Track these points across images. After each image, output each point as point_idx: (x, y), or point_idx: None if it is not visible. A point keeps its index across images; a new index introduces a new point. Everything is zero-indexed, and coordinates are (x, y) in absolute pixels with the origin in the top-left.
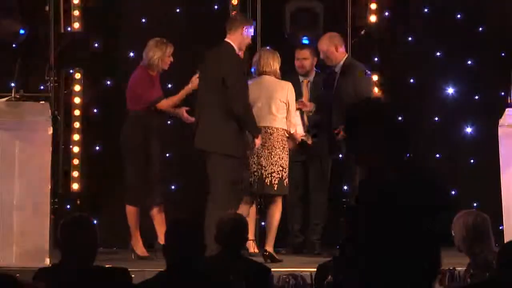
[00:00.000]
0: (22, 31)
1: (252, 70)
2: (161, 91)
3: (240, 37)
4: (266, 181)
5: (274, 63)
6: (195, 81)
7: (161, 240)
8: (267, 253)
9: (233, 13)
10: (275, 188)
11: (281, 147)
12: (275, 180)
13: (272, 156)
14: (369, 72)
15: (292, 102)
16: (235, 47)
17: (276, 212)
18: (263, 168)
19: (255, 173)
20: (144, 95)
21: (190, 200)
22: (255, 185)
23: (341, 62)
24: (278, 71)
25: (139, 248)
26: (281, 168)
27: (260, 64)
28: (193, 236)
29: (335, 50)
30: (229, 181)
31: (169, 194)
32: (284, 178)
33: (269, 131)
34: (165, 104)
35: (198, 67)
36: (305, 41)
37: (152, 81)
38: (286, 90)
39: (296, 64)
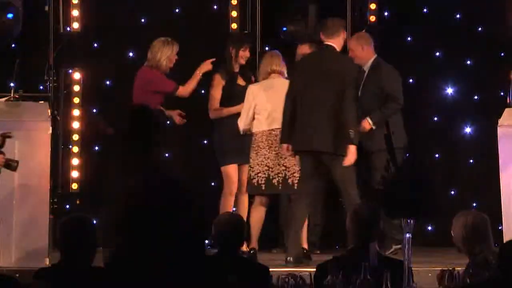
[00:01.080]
0: (10, 15)
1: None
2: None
3: (341, 42)
4: (289, 181)
5: (282, 64)
6: (205, 66)
7: None
8: (305, 251)
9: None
10: (295, 188)
11: None
12: (295, 180)
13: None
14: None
15: None
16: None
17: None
18: (287, 169)
19: (279, 174)
20: (164, 89)
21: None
22: (279, 185)
23: (369, 62)
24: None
25: None
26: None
27: (268, 65)
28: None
29: (361, 49)
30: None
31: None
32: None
33: None
34: (183, 91)
35: (299, 64)
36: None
37: (163, 76)
38: None
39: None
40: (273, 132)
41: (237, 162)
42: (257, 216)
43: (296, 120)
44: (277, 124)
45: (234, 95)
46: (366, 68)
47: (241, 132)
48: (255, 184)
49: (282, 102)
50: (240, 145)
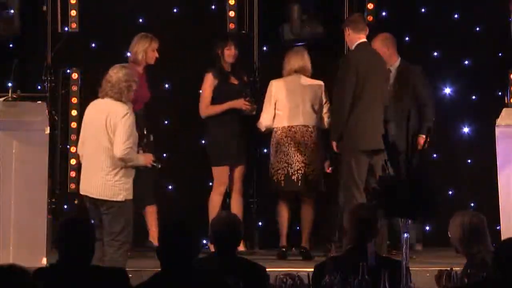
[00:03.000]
0: (6, 15)
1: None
2: (148, 92)
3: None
4: (309, 178)
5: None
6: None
7: (153, 238)
8: (304, 250)
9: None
10: (313, 185)
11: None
12: (315, 177)
13: (313, 154)
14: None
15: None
16: None
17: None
18: (307, 166)
19: (299, 171)
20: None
21: (184, 201)
22: (298, 182)
23: (396, 63)
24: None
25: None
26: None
27: (293, 61)
28: (187, 237)
29: (387, 50)
30: None
31: (164, 195)
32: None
33: (309, 129)
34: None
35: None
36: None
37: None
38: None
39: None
40: (292, 129)
41: (229, 163)
42: (285, 215)
43: (358, 118)
44: (298, 121)
45: (226, 95)
46: (393, 68)
47: (263, 130)
48: (275, 181)
49: (304, 98)
50: (233, 146)
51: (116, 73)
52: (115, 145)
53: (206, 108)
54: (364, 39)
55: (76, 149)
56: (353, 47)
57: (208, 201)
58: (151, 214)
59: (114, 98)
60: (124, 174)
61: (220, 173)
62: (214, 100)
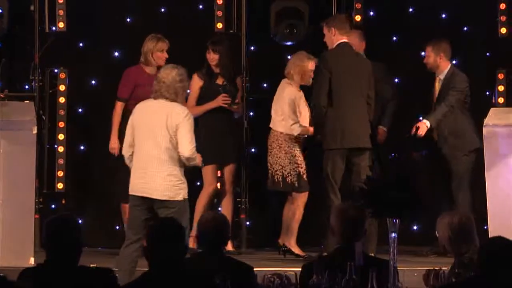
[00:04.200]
0: None
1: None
2: None
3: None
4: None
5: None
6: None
7: None
8: (286, 248)
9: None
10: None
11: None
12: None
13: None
14: None
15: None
16: None
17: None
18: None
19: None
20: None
21: None
22: (295, 183)
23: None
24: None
25: None
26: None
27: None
28: (175, 236)
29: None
30: None
31: None
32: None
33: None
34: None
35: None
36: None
37: (147, 77)
38: None
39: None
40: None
41: (216, 162)
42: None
43: (338, 117)
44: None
45: (212, 95)
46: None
47: (296, 134)
48: (289, 182)
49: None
50: (220, 145)
51: (169, 74)
52: (182, 145)
53: (190, 109)
54: (345, 40)
55: (64, 149)
56: (333, 47)
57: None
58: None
59: (169, 99)
60: (182, 174)
61: (207, 173)
62: (201, 101)
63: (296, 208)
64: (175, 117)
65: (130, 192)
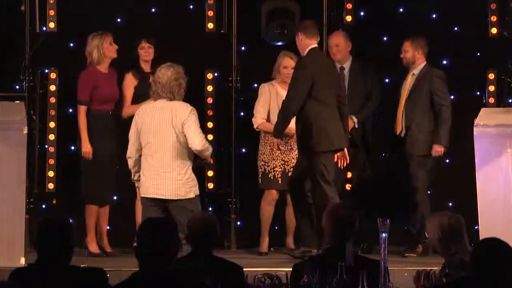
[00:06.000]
0: None
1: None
2: (117, 90)
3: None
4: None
5: None
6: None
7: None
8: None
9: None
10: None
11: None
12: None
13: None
14: None
15: None
16: None
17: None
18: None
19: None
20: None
21: None
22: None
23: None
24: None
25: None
26: None
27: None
28: (164, 237)
29: (348, 47)
30: None
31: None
32: None
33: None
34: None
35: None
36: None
37: (104, 76)
38: None
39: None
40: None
41: None
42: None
43: (324, 119)
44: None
45: (147, 94)
46: (346, 66)
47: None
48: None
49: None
50: None
51: (164, 73)
52: (192, 139)
53: (126, 108)
54: (316, 45)
55: (55, 149)
56: (306, 52)
57: None
58: (91, 214)
59: (167, 98)
60: (191, 171)
61: None
62: (135, 100)
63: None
64: (180, 115)
65: (143, 195)
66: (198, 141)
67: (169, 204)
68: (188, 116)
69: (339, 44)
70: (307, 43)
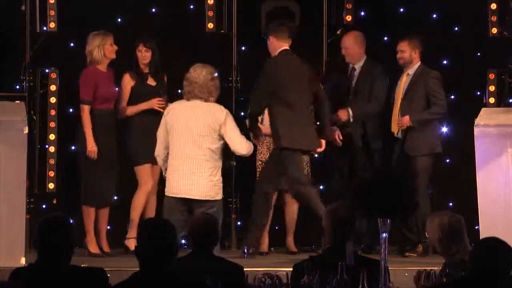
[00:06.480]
0: None
1: None
2: (115, 90)
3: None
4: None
5: None
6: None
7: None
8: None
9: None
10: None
11: None
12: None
13: None
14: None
15: None
16: None
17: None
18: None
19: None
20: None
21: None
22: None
23: (361, 62)
24: None
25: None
26: None
27: None
28: (165, 237)
29: (358, 48)
30: None
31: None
32: None
33: None
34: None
35: (283, 69)
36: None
37: (105, 77)
38: None
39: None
40: None
41: (150, 162)
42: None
43: (289, 118)
44: None
45: (143, 96)
46: (358, 67)
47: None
48: None
49: None
50: (153, 145)
51: (200, 73)
52: (235, 143)
53: (122, 109)
54: (287, 47)
55: (55, 149)
56: (276, 53)
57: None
58: (88, 215)
59: (203, 99)
60: (220, 173)
61: (142, 172)
62: (132, 101)
63: None
64: (216, 117)
65: (170, 194)
66: (243, 146)
67: (194, 205)
68: (225, 118)
69: (348, 47)
70: (278, 45)
